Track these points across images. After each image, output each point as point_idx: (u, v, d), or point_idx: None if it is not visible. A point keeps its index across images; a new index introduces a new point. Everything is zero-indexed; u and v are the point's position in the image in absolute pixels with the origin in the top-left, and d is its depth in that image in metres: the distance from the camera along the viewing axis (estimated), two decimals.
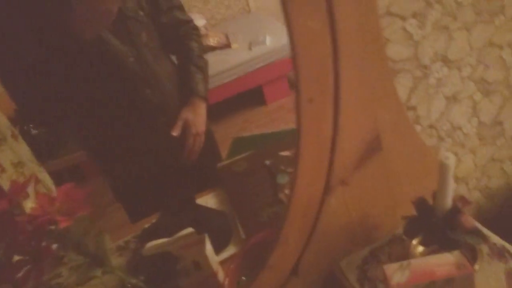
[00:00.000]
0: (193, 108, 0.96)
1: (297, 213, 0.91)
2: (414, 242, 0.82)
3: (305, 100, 0.86)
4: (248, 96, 1.17)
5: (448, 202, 0.79)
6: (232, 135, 1.19)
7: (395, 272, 0.74)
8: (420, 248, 0.81)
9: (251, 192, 1.14)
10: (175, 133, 0.94)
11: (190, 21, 0.96)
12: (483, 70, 1.05)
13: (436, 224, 0.78)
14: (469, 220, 0.76)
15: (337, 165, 0.89)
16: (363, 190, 0.92)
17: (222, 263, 0.97)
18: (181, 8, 0.93)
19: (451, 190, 0.79)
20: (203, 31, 1.03)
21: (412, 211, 0.82)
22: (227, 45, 1.10)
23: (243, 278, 0.96)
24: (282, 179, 1.13)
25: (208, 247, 0.92)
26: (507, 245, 0.82)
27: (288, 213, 0.91)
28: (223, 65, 1.08)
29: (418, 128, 1.01)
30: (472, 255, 0.78)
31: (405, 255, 0.81)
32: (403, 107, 0.97)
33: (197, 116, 0.96)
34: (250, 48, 1.10)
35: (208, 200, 1.14)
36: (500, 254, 0.79)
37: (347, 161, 0.90)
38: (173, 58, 0.97)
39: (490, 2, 0.99)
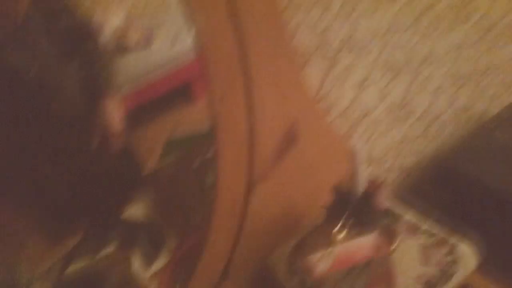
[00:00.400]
0: (105, 108, 0.92)
1: (222, 214, 0.90)
2: (335, 229, 0.84)
3: (217, 99, 0.85)
4: (178, 94, 1.13)
5: (362, 186, 0.82)
6: (164, 138, 1.16)
7: (318, 262, 0.76)
8: (342, 235, 0.83)
9: (180, 196, 1.12)
10: (90, 141, 0.90)
11: (89, 23, 0.91)
12: (388, 53, 1.09)
13: (352, 209, 0.81)
14: (382, 202, 0.79)
15: (257, 161, 0.89)
16: (285, 183, 0.93)
17: (155, 273, 0.94)
18: (76, 11, 0.88)
19: (363, 174, 0.82)
20: (120, 30, 0.98)
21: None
22: (148, 43, 1.05)
23: (177, 286, 0.94)
24: (210, 180, 1.11)
25: (135, 263, 0.88)
26: (419, 220, 0.87)
27: (213, 215, 0.90)
28: (146, 64, 1.04)
29: (331, 116, 1.04)
30: (389, 235, 0.81)
31: (328, 243, 0.83)
32: (315, 97, 0.98)
33: (110, 116, 0.92)
34: (172, 44, 1.06)
35: (135, 211, 1.10)
36: (412, 230, 0.84)
37: (266, 156, 0.90)
38: (78, 63, 0.92)
39: None
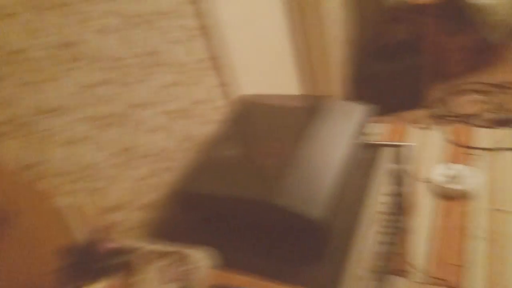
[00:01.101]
0: None
1: None
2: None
3: None
4: None
5: (93, 237, 0.82)
6: None
7: None
8: None
9: None
10: None
11: None
12: (91, 109, 1.14)
13: (85, 262, 0.80)
14: (108, 244, 0.81)
15: None
16: (7, 263, 0.85)
17: None
18: None
19: (92, 225, 0.82)
20: None
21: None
22: None
23: None
24: None
25: None
26: (156, 247, 0.92)
27: None
28: None
29: (48, 182, 1.01)
30: (129, 270, 0.83)
31: None
32: (20, 169, 0.94)
33: None
34: None
35: None
36: (148, 258, 0.88)
37: None
38: None
39: (67, 52, 1.07)
